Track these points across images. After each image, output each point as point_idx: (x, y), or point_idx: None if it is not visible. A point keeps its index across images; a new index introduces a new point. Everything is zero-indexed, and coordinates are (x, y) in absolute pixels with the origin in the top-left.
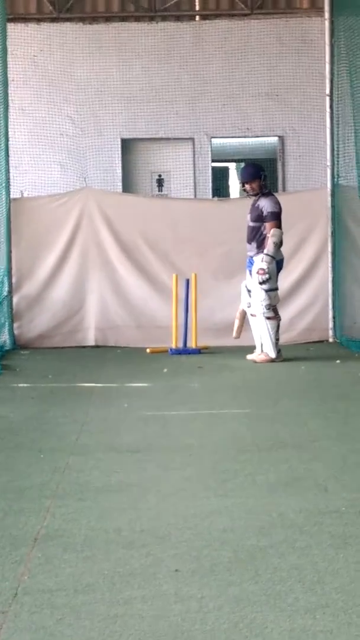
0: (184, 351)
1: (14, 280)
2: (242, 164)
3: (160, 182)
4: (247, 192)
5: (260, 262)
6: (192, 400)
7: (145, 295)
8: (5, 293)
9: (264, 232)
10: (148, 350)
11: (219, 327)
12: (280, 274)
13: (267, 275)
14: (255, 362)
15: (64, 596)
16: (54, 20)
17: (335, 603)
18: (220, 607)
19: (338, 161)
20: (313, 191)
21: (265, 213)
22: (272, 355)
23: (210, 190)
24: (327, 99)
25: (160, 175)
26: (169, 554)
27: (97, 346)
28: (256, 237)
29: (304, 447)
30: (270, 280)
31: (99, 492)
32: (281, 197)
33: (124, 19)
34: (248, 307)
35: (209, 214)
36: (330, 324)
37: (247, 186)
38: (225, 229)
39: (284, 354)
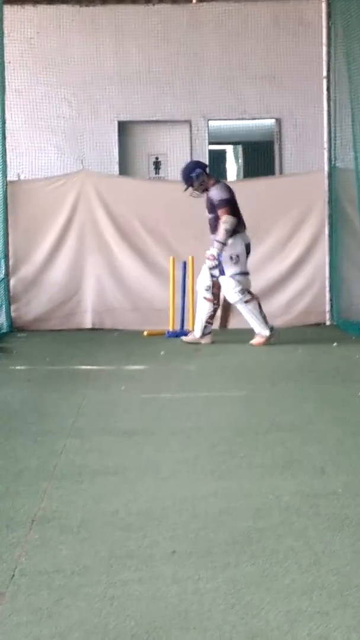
0: (181, 334)
1: (10, 262)
2: (239, 146)
3: (157, 165)
4: (195, 194)
5: (212, 247)
6: (189, 382)
7: (142, 278)
8: (2, 276)
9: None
10: (145, 333)
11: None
12: (277, 257)
13: (216, 262)
14: (253, 345)
15: (61, 578)
16: (50, 2)
17: (332, 585)
18: (216, 588)
19: (335, 144)
20: (310, 174)
21: (215, 202)
22: (266, 332)
23: None
24: (324, 81)
25: (157, 158)
26: (166, 536)
27: (94, 329)
28: (217, 228)
29: (300, 429)
30: (241, 264)
31: (96, 475)
32: (278, 180)
33: (120, 1)
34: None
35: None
36: (327, 307)
37: (190, 190)
38: None
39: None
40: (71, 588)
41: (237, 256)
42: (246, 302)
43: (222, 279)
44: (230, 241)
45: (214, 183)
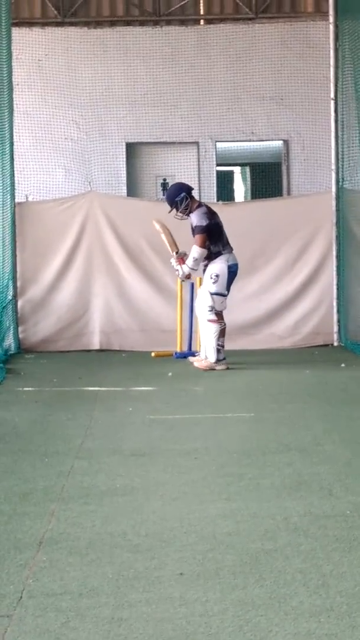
0: (189, 354)
1: (18, 284)
2: (247, 168)
3: (165, 186)
4: (179, 217)
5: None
6: (197, 404)
7: (149, 299)
8: (10, 297)
9: (207, 243)
10: (153, 354)
11: None
12: (285, 278)
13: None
14: (195, 365)
15: (68, 599)
16: (58, 24)
17: (340, 607)
18: (224, 610)
19: (343, 165)
20: (318, 195)
21: (192, 227)
22: (212, 360)
23: (215, 194)
24: (332, 102)
25: (165, 179)
26: (174, 558)
27: (101, 350)
28: None
29: (308, 450)
30: (218, 285)
31: (104, 496)
32: (286, 201)
33: (128, 23)
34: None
35: None
36: (335, 328)
37: (173, 212)
38: (230, 232)
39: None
40: (79, 610)
41: (217, 276)
42: (209, 321)
43: (202, 292)
44: (215, 261)
45: (197, 207)
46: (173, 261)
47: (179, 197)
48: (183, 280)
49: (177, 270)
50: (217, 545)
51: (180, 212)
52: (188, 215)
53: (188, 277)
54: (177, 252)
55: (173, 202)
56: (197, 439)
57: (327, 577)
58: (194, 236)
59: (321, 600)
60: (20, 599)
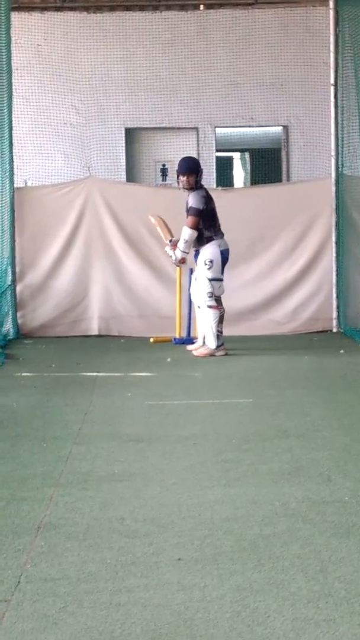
0: (188, 341)
1: (17, 269)
2: (247, 154)
3: (164, 172)
4: (182, 185)
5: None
6: (195, 389)
7: (148, 284)
8: (8, 282)
9: (199, 226)
10: (151, 340)
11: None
12: (284, 264)
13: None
14: (194, 354)
15: (66, 585)
16: (58, 9)
17: (338, 592)
18: (222, 596)
19: (342, 151)
20: (317, 181)
21: (187, 207)
22: (212, 346)
23: (215, 180)
24: (332, 88)
25: (164, 165)
26: (172, 543)
27: (100, 336)
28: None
29: (306, 436)
30: (214, 270)
31: (102, 481)
32: (285, 187)
33: (128, 8)
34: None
35: None
36: (334, 314)
37: (182, 178)
38: (229, 218)
39: (290, 342)
40: (77, 595)
41: (211, 262)
42: (209, 306)
43: (200, 278)
44: (206, 246)
45: (197, 187)
46: (167, 248)
47: (200, 169)
48: (177, 265)
49: (171, 256)
50: (215, 531)
51: (187, 183)
52: (190, 189)
53: (183, 262)
54: (170, 240)
55: (195, 170)
56: (195, 424)
57: (325, 562)
58: (186, 215)
59: (319, 585)
60: (18, 583)
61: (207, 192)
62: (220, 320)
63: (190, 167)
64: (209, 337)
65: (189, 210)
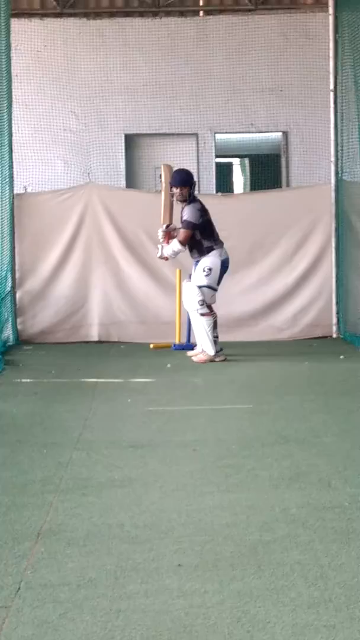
0: (187, 346)
1: (17, 275)
2: (246, 160)
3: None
4: (175, 198)
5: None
6: (195, 395)
7: (148, 290)
8: (8, 288)
9: (197, 237)
10: (151, 346)
11: (222, 322)
12: (284, 270)
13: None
14: (194, 360)
15: (66, 591)
16: (57, 15)
17: (338, 598)
18: (222, 601)
19: (342, 157)
20: (317, 186)
21: (182, 219)
22: (211, 352)
23: (214, 186)
24: (331, 94)
25: None
26: (172, 549)
27: (100, 342)
28: (193, 243)
29: (306, 442)
30: (210, 278)
31: (102, 487)
32: (285, 193)
33: (127, 14)
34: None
35: (212, 210)
36: (334, 320)
37: (176, 190)
38: (229, 224)
39: (288, 348)
40: (77, 601)
41: (210, 269)
42: (202, 314)
43: (188, 285)
44: (207, 256)
45: (192, 200)
46: (160, 233)
47: (194, 182)
48: (159, 257)
49: (158, 247)
50: (215, 537)
51: (181, 195)
52: (184, 201)
53: (165, 259)
54: (167, 226)
55: (189, 183)
56: (195, 430)
57: (325, 568)
58: (181, 226)
59: (319, 591)
60: (18, 590)
61: (201, 204)
62: (215, 326)
63: (184, 180)
64: (206, 344)
65: (182, 223)
